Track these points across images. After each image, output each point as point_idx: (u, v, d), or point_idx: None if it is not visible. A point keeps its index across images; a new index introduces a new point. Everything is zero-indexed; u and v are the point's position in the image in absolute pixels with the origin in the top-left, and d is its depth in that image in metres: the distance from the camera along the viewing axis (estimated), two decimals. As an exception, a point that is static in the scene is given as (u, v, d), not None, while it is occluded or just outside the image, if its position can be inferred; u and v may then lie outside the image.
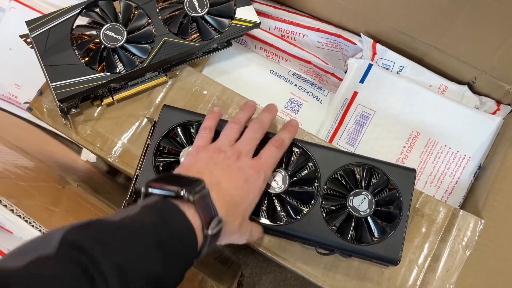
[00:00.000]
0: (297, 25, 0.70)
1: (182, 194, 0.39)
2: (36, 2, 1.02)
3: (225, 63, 0.66)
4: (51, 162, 0.66)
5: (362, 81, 0.64)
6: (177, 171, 0.48)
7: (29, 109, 0.60)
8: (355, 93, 0.64)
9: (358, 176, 0.55)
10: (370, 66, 0.65)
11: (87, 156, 0.91)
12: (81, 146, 0.60)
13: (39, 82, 1.01)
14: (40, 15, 1.06)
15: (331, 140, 0.64)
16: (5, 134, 0.63)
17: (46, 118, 0.60)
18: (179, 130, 0.56)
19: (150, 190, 0.40)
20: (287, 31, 0.72)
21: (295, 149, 0.56)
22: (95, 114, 0.60)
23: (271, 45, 0.71)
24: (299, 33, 0.71)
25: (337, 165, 0.54)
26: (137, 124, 0.60)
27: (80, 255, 0.31)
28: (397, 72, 0.65)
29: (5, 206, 0.40)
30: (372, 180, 0.55)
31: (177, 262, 0.37)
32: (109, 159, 0.59)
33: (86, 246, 0.31)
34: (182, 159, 0.54)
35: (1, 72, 1.02)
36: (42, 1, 1.03)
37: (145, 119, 0.60)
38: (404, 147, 0.62)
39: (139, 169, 0.55)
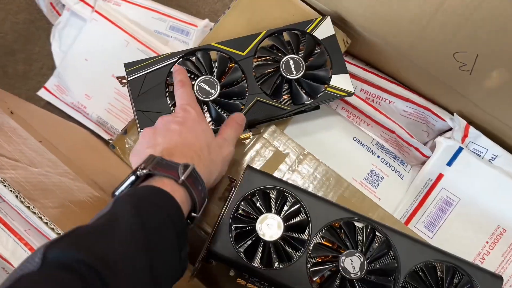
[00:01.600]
0: (385, 91, 0.68)
1: (138, 173, 0.40)
2: (117, 17, 1.05)
3: (308, 124, 0.65)
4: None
5: (449, 163, 0.62)
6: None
7: (112, 147, 0.60)
8: (441, 176, 0.62)
9: (439, 273, 0.52)
10: (460, 149, 0.62)
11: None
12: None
13: (108, 95, 1.03)
14: (117, 29, 1.08)
15: (408, 221, 0.61)
16: (78, 160, 0.64)
17: (127, 157, 0.60)
18: (259, 194, 0.55)
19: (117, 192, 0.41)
20: (373, 95, 0.69)
21: (377, 233, 0.53)
22: (175, 161, 0.60)
23: (355, 108, 0.69)
24: (386, 99, 0.69)
25: (420, 260, 0.52)
26: (214, 176, 0.59)
27: (65, 261, 0.31)
28: (489, 161, 0.62)
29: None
30: (454, 280, 0.52)
31: (164, 229, 0.37)
32: (183, 210, 0.58)
33: (69, 254, 0.31)
34: (258, 226, 0.53)
35: (75, 81, 1.05)
36: (123, 17, 1.05)
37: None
38: (487, 242, 0.59)
39: (217, 227, 0.54)
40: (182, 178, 0.40)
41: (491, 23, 0.49)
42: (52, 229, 0.42)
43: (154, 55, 1.03)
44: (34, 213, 0.42)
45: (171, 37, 1.06)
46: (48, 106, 1.10)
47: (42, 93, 1.08)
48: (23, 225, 0.68)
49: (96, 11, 1.04)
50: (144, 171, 0.40)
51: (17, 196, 0.42)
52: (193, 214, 0.43)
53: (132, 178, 0.41)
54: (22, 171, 0.46)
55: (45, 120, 0.75)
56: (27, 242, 0.67)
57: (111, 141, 0.61)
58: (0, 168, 0.43)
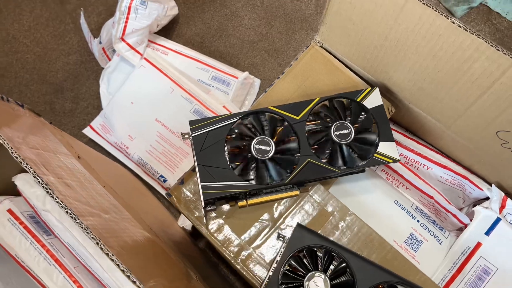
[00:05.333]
0: (424, 157, 0.72)
1: None
2: (164, 65, 1.11)
3: (351, 185, 0.68)
4: (166, 238, 0.69)
5: (487, 233, 0.64)
6: None
7: (168, 195, 0.64)
8: (479, 244, 0.64)
9: None
10: (497, 220, 0.64)
11: (184, 222, 0.95)
12: (210, 242, 0.63)
13: (151, 138, 1.08)
14: (163, 76, 1.14)
15: (446, 287, 0.63)
16: (134, 205, 0.68)
17: (182, 207, 0.64)
18: (307, 252, 0.58)
19: None
20: (412, 160, 0.73)
21: (419, 299, 0.56)
22: (227, 213, 0.63)
23: (395, 171, 0.72)
24: (424, 165, 0.72)
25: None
26: (260, 229, 0.63)
27: None
28: (527, 233, 0.64)
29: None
30: None
31: None
32: (233, 261, 0.61)
33: None
34: (305, 284, 0.56)
35: (119, 122, 1.10)
36: (169, 65, 1.12)
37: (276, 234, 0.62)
38: (524, 314, 0.61)
39: (267, 281, 0.57)
40: None
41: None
42: (128, 276, 0.45)
43: (196, 102, 1.09)
44: (112, 260, 0.45)
45: (213, 86, 1.13)
46: (90, 143, 1.15)
47: (87, 131, 1.14)
48: (72, 262, 0.72)
49: (145, 59, 1.11)
50: None
51: (97, 243, 0.46)
52: None
53: None
54: (97, 217, 0.50)
55: (101, 162, 0.79)
56: (76, 279, 0.70)
57: (168, 190, 0.65)
58: (81, 215, 0.47)
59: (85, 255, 0.70)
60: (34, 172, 0.47)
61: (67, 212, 0.46)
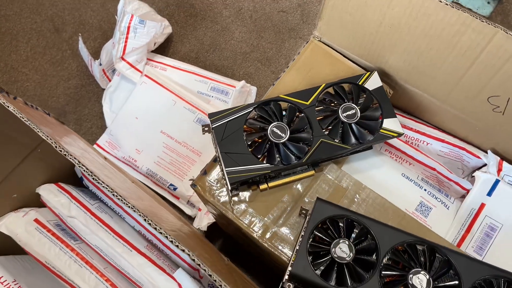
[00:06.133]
0: (423, 134, 0.78)
1: None
2: (164, 80, 1.16)
3: (360, 163, 0.74)
4: (195, 238, 0.73)
5: (489, 194, 0.70)
6: None
7: (193, 186, 0.68)
8: (483, 205, 0.70)
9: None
10: (497, 181, 0.70)
11: (199, 224, 0.98)
12: (235, 223, 0.67)
13: (158, 149, 1.12)
14: (165, 90, 1.19)
15: (458, 246, 0.68)
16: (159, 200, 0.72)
17: (207, 195, 0.68)
18: (330, 222, 0.62)
19: None
20: (412, 138, 0.79)
21: (437, 254, 0.60)
22: (249, 196, 0.68)
23: (398, 149, 0.78)
24: (424, 141, 0.78)
25: (479, 276, 0.58)
26: (282, 209, 0.67)
27: None
28: (524, 190, 0.70)
29: None
30: (511, 293, 0.58)
31: None
32: (260, 240, 0.65)
33: None
34: (332, 250, 0.60)
35: (126, 137, 1.14)
36: (169, 80, 1.17)
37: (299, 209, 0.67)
38: (532, 262, 0.66)
39: (295, 254, 0.61)
40: None
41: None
42: (177, 246, 0.48)
43: (198, 112, 1.14)
44: (161, 233, 0.49)
45: (212, 96, 1.18)
46: (98, 162, 1.18)
47: (94, 149, 1.17)
48: (101, 263, 0.75)
49: (146, 75, 1.16)
50: None
51: (145, 219, 0.49)
52: None
53: None
54: (138, 202, 0.54)
55: (120, 169, 0.83)
56: (108, 278, 0.73)
57: (192, 181, 0.69)
58: (126, 198, 0.51)
59: (114, 255, 0.72)
60: (79, 162, 0.51)
61: (113, 194, 0.50)
